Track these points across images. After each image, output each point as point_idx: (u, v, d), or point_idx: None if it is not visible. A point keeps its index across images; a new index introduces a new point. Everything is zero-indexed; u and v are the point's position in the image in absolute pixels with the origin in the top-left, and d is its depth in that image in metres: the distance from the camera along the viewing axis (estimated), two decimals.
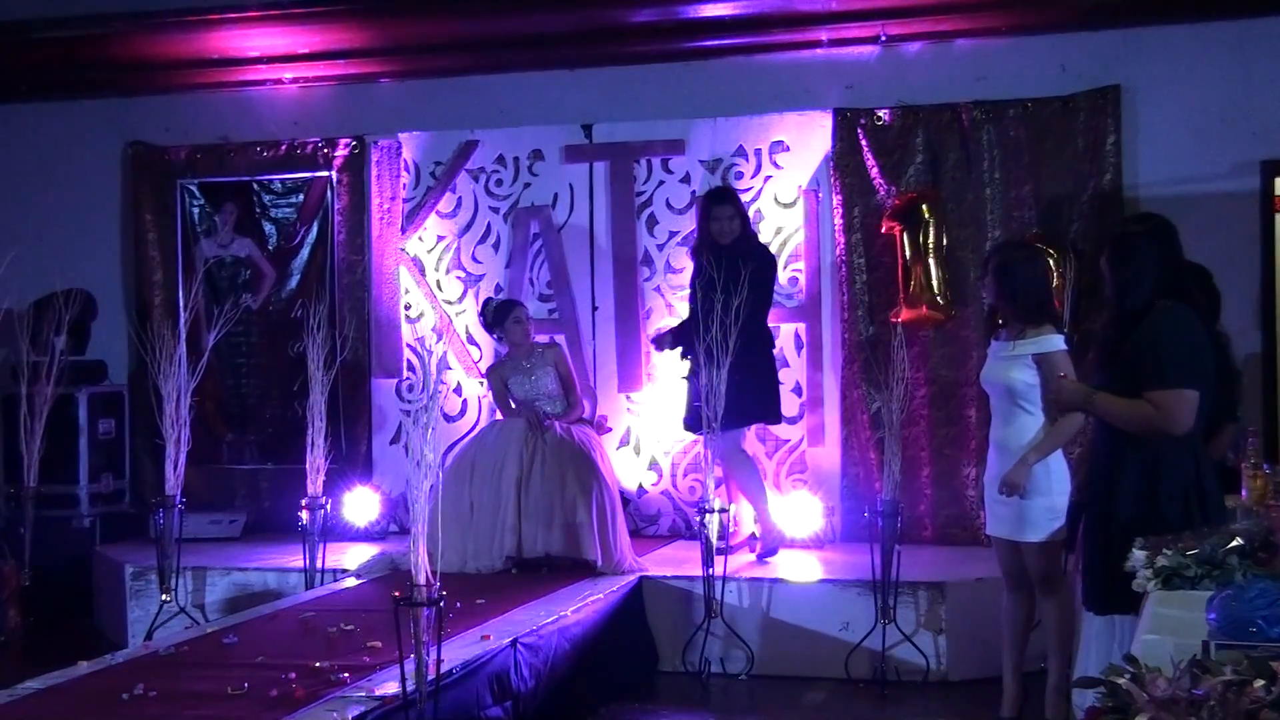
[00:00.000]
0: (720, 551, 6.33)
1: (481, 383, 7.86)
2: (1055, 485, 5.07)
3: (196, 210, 8.49)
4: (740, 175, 7.66)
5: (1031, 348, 5.04)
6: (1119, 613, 4.21)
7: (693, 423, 6.86)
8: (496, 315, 7.24)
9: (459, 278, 8.07)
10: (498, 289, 7.96)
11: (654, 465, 7.74)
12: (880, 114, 7.45)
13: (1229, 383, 5.33)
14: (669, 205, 7.77)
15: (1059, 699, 5.09)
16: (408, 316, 8.14)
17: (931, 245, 7.25)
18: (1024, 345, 5.07)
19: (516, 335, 7.14)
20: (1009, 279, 5.12)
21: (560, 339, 7.63)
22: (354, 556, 7.21)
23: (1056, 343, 5.05)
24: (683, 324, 7.05)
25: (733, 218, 6.89)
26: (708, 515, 6.28)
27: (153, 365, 6.82)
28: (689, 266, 7.66)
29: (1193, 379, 4.19)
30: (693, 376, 6.88)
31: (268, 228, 8.39)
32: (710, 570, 6.29)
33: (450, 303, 8.08)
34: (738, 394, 6.40)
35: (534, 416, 6.94)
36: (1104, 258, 4.44)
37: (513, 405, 7.17)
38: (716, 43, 7.78)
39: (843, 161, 7.48)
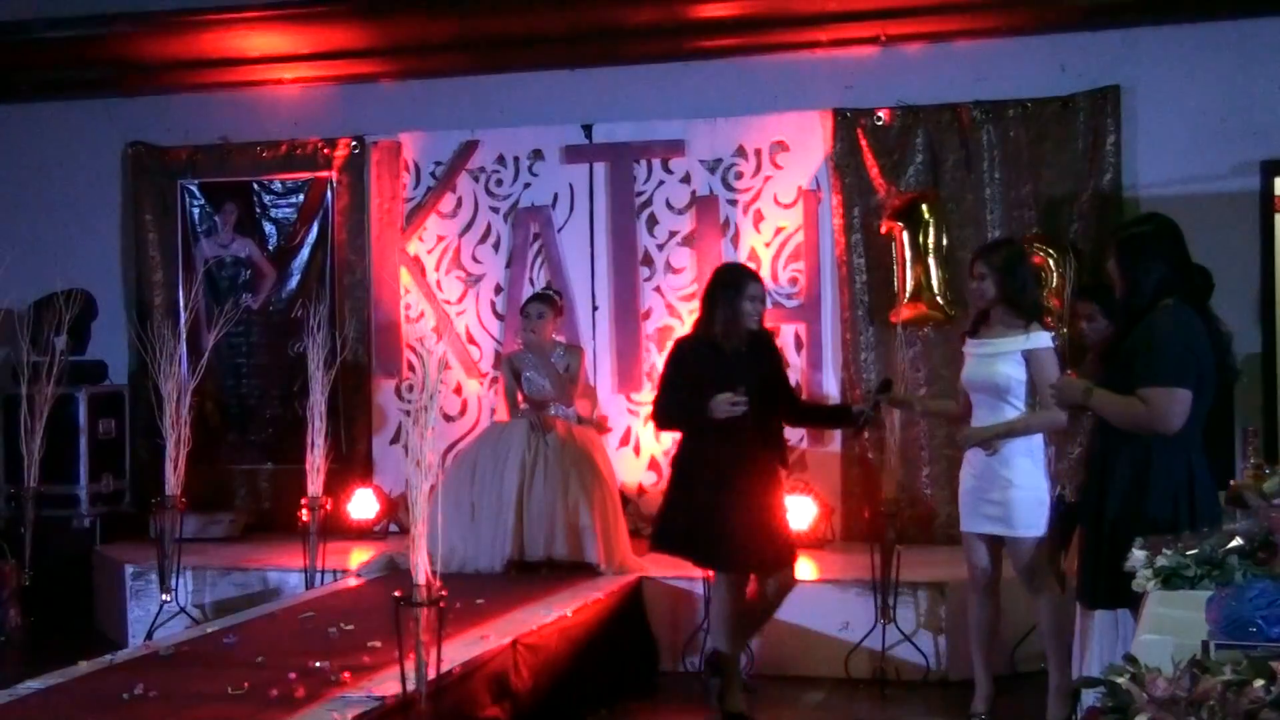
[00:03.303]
0: None
1: (491, 374, 7.86)
2: (1041, 480, 5.10)
3: (197, 210, 8.48)
4: (740, 175, 7.66)
5: (1021, 344, 5.07)
6: (1108, 608, 4.21)
7: (671, 543, 5.72)
8: (523, 304, 7.21)
9: (459, 278, 8.07)
10: (498, 289, 7.97)
11: (654, 465, 7.74)
12: (880, 114, 7.45)
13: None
14: (669, 205, 7.76)
15: (1061, 699, 5.08)
16: (408, 316, 8.14)
17: (931, 245, 7.25)
18: (1013, 342, 5.10)
19: (524, 328, 7.06)
20: (1013, 278, 5.16)
21: (561, 340, 7.61)
22: (354, 556, 7.22)
23: (1045, 339, 5.11)
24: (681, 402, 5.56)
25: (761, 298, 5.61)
26: None
27: (153, 365, 6.83)
28: (689, 275, 7.66)
29: (1186, 378, 4.18)
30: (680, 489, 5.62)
31: (268, 228, 8.39)
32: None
33: (450, 303, 8.07)
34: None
35: (536, 419, 6.92)
36: (1111, 261, 4.44)
37: (520, 402, 7.09)
38: (716, 43, 7.78)
39: (842, 161, 7.48)
